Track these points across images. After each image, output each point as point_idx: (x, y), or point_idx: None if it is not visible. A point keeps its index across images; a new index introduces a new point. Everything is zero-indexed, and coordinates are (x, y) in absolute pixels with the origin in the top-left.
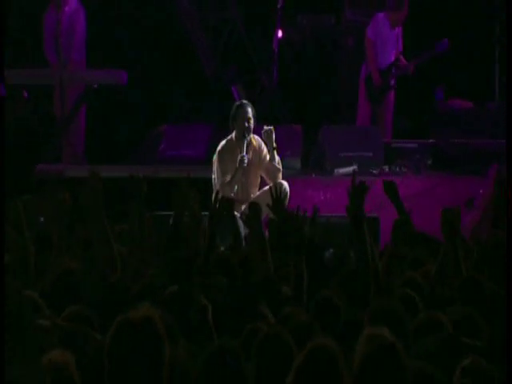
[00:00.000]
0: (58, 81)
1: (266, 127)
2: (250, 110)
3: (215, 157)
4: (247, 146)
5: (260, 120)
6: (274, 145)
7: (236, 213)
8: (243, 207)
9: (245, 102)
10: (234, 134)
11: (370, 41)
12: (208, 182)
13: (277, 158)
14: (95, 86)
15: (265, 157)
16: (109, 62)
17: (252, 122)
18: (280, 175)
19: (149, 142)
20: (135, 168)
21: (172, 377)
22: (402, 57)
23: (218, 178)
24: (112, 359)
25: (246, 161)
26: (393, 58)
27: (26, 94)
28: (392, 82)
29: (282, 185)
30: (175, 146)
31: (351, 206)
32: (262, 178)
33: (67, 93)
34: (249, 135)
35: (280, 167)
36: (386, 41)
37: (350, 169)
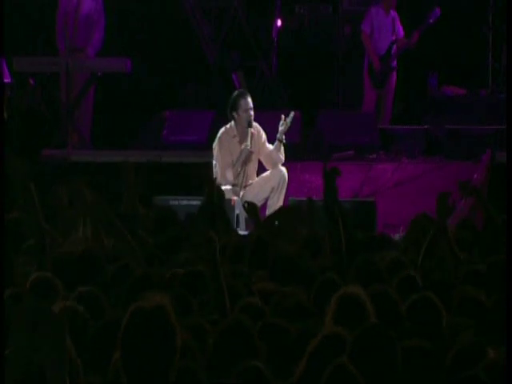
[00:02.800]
0: (64, 69)
1: (292, 114)
2: (250, 99)
3: (215, 143)
4: (251, 137)
5: (259, 107)
6: (283, 138)
7: (236, 197)
8: (242, 193)
9: (243, 91)
10: (233, 122)
11: (365, 34)
12: (209, 166)
13: (282, 149)
14: (99, 73)
15: (264, 143)
16: (113, 50)
17: (252, 110)
18: (280, 163)
19: (151, 127)
20: (138, 153)
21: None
22: (400, 36)
23: (218, 164)
24: (125, 347)
25: (248, 153)
26: (391, 39)
27: (32, 82)
28: (393, 63)
29: (281, 171)
30: (177, 132)
31: (325, 192)
32: (259, 162)
33: (73, 80)
34: (252, 124)
35: (283, 159)
36: (382, 27)
37: (346, 154)
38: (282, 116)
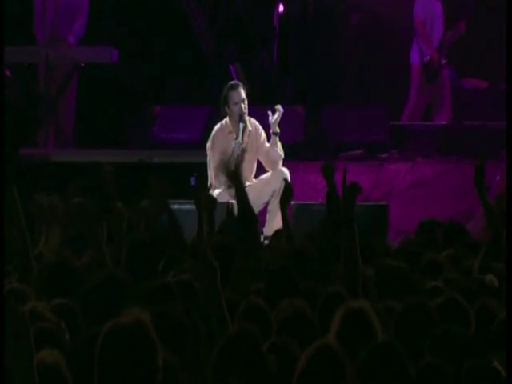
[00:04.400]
0: (44, 59)
1: (279, 106)
2: (241, 91)
3: (209, 142)
4: (243, 131)
5: (259, 101)
6: (277, 129)
7: (234, 201)
8: None
9: (234, 83)
10: (227, 118)
11: (419, 21)
12: (204, 167)
13: (279, 143)
14: (82, 64)
15: (263, 142)
16: (98, 39)
17: (246, 102)
18: (281, 162)
19: (141, 124)
20: (126, 153)
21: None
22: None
23: (212, 164)
24: (102, 367)
25: (239, 148)
26: (442, 32)
27: (8, 74)
28: (444, 60)
29: (282, 172)
30: (169, 129)
31: (344, 206)
32: (258, 162)
33: (54, 72)
34: (245, 119)
35: (282, 154)
36: (434, 15)
37: (355, 153)
38: (269, 112)
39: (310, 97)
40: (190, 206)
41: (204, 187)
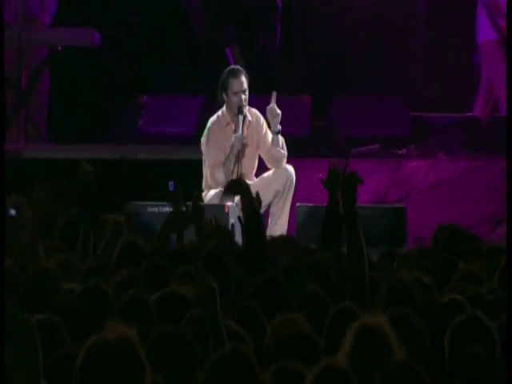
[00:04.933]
0: (16, 43)
1: (272, 105)
2: (244, 79)
3: (204, 137)
4: (242, 123)
5: (259, 89)
6: (279, 127)
7: (230, 203)
8: (237, 197)
9: (237, 68)
10: (225, 108)
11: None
12: (197, 164)
13: (280, 140)
14: (59, 48)
15: (265, 135)
16: (77, 19)
17: (247, 92)
18: (284, 160)
19: (125, 116)
20: (108, 148)
21: None
22: None
23: (207, 162)
24: None
25: (239, 143)
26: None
27: None
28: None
29: (287, 171)
30: (158, 122)
31: (346, 200)
32: (259, 159)
33: (26, 58)
34: (244, 111)
35: (285, 152)
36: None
37: (369, 149)
38: (268, 108)
39: (318, 85)
40: (170, 209)
41: (179, 200)
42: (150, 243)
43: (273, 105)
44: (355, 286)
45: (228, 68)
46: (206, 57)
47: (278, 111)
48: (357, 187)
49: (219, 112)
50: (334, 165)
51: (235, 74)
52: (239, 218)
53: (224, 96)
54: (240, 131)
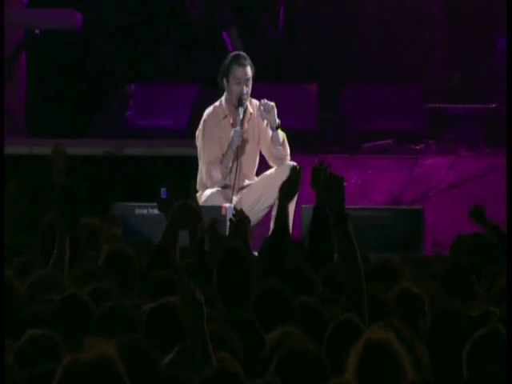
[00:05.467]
0: None
1: (265, 101)
2: (249, 69)
3: (199, 131)
4: (243, 116)
5: (261, 78)
6: (278, 121)
7: (227, 204)
8: (235, 199)
9: (243, 55)
10: (224, 98)
11: None
12: (191, 161)
13: (281, 135)
14: (37, 31)
15: (266, 129)
16: (58, 0)
17: (250, 84)
18: (287, 158)
19: (111, 108)
20: (92, 143)
21: None
22: None
23: (202, 158)
24: None
25: (239, 139)
26: None
27: None
28: None
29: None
30: (147, 113)
31: (332, 202)
32: (260, 155)
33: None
34: (245, 104)
35: (287, 150)
36: None
37: (382, 144)
38: (259, 105)
39: (325, 73)
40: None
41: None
42: (142, 250)
43: (262, 100)
44: (351, 298)
45: (233, 53)
46: (200, 41)
47: (271, 103)
48: (344, 186)
49: (216, 103)
50: (319, 162)
51: (239, 60)
52: (231, 220)
53: (224, 82)
54: (239, 125)
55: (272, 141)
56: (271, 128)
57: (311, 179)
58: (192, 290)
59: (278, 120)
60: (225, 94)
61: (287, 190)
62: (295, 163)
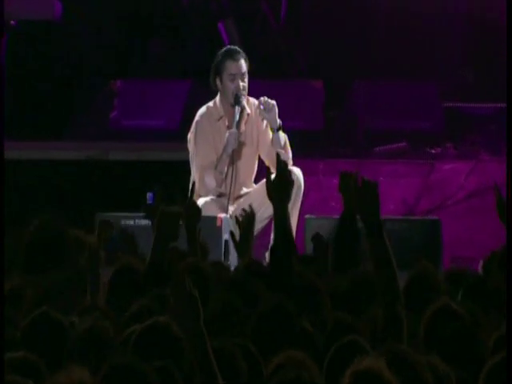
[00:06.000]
0: None
1: (265, 98)
2: (243, 62)
3: (191, 133)
4: (240, 116)
5: (260, 73)
6: (279, 121)
7: (223, 214)
8: (231, 208)
9: (235, 48)
10: (218, 97)
11: None
12: (184, 166)
13: (282, 137)
14: (12, 22)
15: (265, 131)
16: None
17: (246, 79)
18: (290, 162)
19: (94, 107)
20: (73, 146)
21: None
22: None
23: (195, 163)
24: None
25: (234, 141)
26: None
27: None
28: None
29: (293, 174)
30: (134, 113)
31: (367, 211)
32: (259, 159)
33: None
34: (242, 101)
35: (289, 153)
36: None
37: (395, 147)
38: (259, 101)
39: (331, 67)
40: (148, 222)
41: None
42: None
43: (262, 98)
44: (389, 314)
45: (224, 48)
46: (193, 32)
47: (272, 101)
48: (378, 192)
49: (210, 103)
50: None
51: (232, 54)
52: (232, 233)
53: (218, 82)
54: (235, 126)
55: (272, 143)
56: (272, 129)
57: (339, 185)
58: (187, 287)
59: (279, 120)
60: (219, 94)
61: (279, 189)
62: (298, 168)
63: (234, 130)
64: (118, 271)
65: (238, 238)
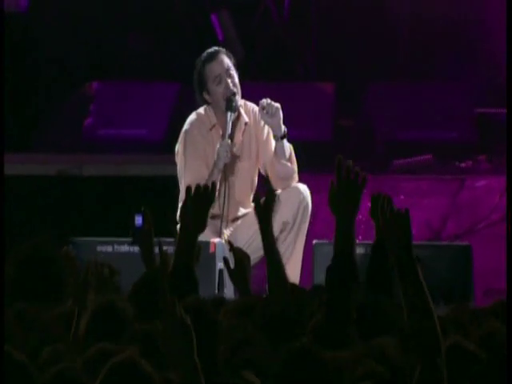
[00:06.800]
0: None
1: (268, 100)
2: (223, 57)
3: (179, 144)
4: (233, 124)
5: (260, 74)
6: (283, 128)
7: (217, 239)
8: (227, 232)
9: (211, 50)
10: (209, 106)
11: None
12: (170, 182)
13: (287, 147)
14: None
15: (266, 141)
16: None
17: (234, 73)
18: (295, 177)
19: (65, 113)
20: (42, 160)
21: None
22: None
23: (184, 179)
24: None
25: (226, 154)
26: None
27: None
28: None
29: (299, 193)
30: (113, 120)
31: (397, 242)
32: (259, 174)
33: None
34: (235, 104)
35: (294, 166)
36: None
37: (418, 160)
38: (261, 104)
39: (343, 67)
40: (129, 248)
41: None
42: None
43: (265, 100)
44: (427, 369)
45: (200, 56)
46: (183, 27)
47: (276, 104)
48: (410, 221)
49: (201, 109)
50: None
51: (210, 57)
52: (225, 259)
53: (205, 95)
54: (227, 135)
55: (276, 154)
56: (275, 136)
57: (371, 210)
58: (179, 313)
59: (283, 127)
60: (209, 104)
61: (344, 198)
62: (304, 185)
63: (225, 140)
64: (96, 313)
65: (232, 264)
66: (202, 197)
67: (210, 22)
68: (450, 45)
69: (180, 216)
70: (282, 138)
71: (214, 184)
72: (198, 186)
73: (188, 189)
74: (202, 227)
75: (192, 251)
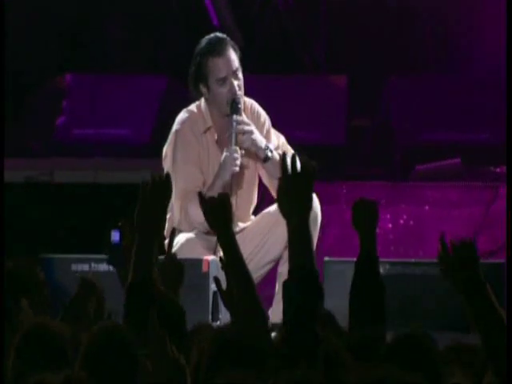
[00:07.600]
0: None
1: (237, 118)
2: (231, 53)
3: (168, 146)
4: (236, 129)
5: (261, 67)
6: (264, 146)
7: (212, 257)
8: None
9: (219, 37)
10: (202, 101)
11: None
12: None
13: (276, 159)
14: None
15: (267, 139)
16: None
17: (240, 74)
18: None
19: (35, 110)
20: (9, 165)
21: None
22: None
23: (174, 188)
24: None
25: (234, 163)
26: None
27: None
28: None
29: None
30: (89, 119)
31: (468, 270)
32: (260, 182)
33: None
34: (239, 108)
35: None
36: None
37: (444, 166)
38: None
39: (358, 59)
40: (109, 267)
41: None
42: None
43: (235, 120)
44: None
45: (204, 39)
46: (169, 11)
47: (248, 127)
48: (476, 248)
49: (193, 106)
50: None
51: (216, 48)
52: (216, 279)
53: (202, 88)
54: (233, 143)
55: (269, 175)
56: (262, 158)
57: (353, 218)
58: (171, 351)
59: (263, 144)
60: (203, 98)
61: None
62: (314, 195)
63: (233, 148)
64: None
65: (224, 285)
66: (160, 189)
67: (203, 5)
68: (479, 32)
69: (136, 217)
70: (266, 159)
71: (168, 176)
72: (153, 176)
73: (143, 183)
74: (160, 227)
75: (151, 259)
